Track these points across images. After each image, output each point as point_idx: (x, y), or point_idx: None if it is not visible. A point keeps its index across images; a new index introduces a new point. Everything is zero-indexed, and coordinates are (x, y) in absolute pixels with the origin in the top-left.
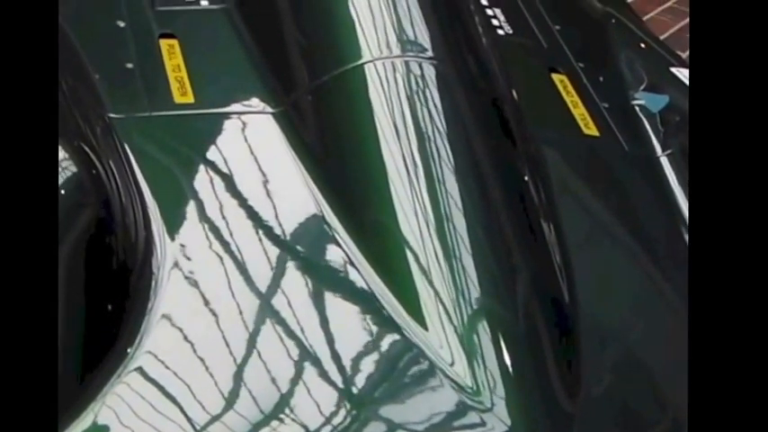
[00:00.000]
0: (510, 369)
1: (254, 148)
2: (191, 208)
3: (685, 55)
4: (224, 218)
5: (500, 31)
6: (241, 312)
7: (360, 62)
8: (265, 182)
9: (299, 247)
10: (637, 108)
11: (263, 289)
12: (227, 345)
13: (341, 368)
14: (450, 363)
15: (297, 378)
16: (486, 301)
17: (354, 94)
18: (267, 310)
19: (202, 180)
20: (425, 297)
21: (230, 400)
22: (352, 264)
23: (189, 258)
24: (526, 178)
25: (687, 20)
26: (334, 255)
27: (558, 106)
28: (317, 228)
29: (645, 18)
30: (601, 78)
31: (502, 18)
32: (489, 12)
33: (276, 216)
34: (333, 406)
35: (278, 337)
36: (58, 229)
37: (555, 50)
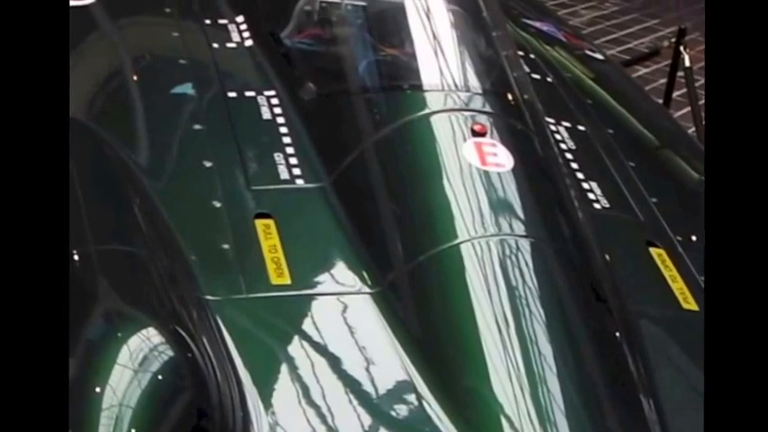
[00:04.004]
0: None
1: (352, 329)
2: (287, 389)
3: None
4: (322, 398)
5: (596, 206)
6: None
7: (456, 242)
8: (362, 363)
9: (395, 424)
10: None
11: None
12: None
13: None
14: None
15: None
16: None
17: (451, 273)
18: None
19: (299, 361)
20: None
21: None
22: None
23: None
24: (624, 351)
25: None
26: (430, 428)
27: (657, 281)
28: (413, 404)
29: None
30: (699, 251)
31: (598, 192)
32: (585, 185)
33: (374, 396)
34: None
35: None
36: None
37: (652, 224)
